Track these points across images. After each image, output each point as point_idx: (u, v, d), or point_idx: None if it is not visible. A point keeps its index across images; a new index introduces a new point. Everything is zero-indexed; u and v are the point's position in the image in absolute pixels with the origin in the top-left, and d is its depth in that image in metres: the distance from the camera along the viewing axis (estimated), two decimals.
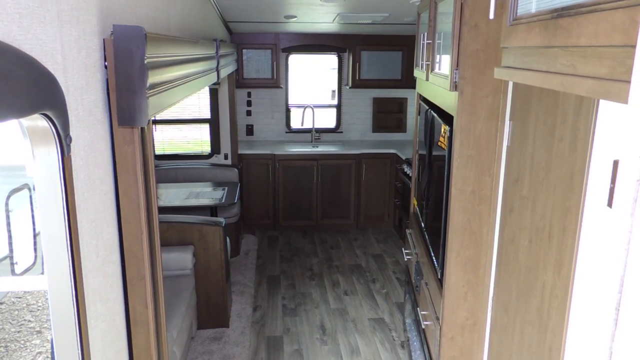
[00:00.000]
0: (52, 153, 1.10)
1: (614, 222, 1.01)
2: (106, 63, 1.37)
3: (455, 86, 2.13)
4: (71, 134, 1.15)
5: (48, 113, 1.02)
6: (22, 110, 0.91)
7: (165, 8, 2.21)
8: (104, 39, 1.37)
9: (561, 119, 1.36)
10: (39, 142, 1.09)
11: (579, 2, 0.96)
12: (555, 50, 1.08)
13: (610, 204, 1.03)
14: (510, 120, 1.91)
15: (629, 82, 0.75)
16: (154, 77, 1.48)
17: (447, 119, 2.38)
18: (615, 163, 1.00)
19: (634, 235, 0.89)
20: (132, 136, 1.45)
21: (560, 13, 1.04)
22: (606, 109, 1.08)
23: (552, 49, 1.10)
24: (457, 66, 2.10)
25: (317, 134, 6.53)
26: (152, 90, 1.46)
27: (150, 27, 1.91)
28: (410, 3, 3.76)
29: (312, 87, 7.03)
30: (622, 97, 0.78)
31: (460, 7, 2.05)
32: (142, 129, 1.50)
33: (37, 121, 1.04)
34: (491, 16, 1.33)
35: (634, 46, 0.74)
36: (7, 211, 3.02)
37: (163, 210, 4.38)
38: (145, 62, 1.38)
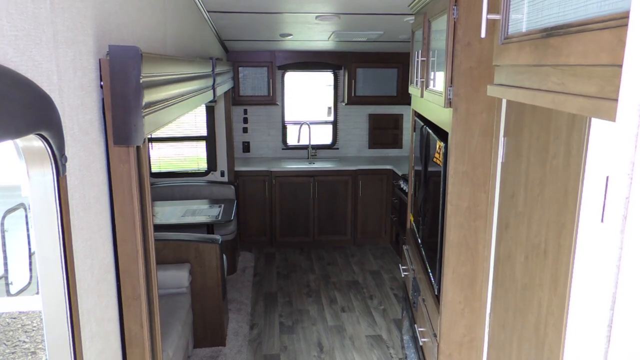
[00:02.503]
0: (47, 173, 1.10)
1: (606, 238, 1.01)
2: (102, 83, 1.38)
3: (449, 103, 2.14)
4: (67, 153, 1.15)
5: (44, 133, 1.02)
6: (17, 131, 0.91)
7: (162, 27, 2.23)
8: (99, 59, 1.38)
9: (554, 135, 1.37)
10: (34, 163, 1.09)
11: (568, 22, 0.98)
12: (546, 69, 1.09)
13: (603, 220, 1.03)
14: (504, 137, 1.92)
15: (617, 100, 0.76)
16: (149, 96, 1.49)
17: (442, 135, 2.39)
18: (608, 179, 1.01)
19: (624, 253, 0.89)
20: (128, 155, 1.46)
21: (550, 32, 1.06)
22: (598, 125, 1.09)
23: (543, 67, 1.11)
24: (451, 83, 2.12)
25: (313, 151, 6.54)
26: (147, 109, 1.47)
27: (146, 46, 1.92)
28: (404, 21, 3.80)
29: (308, 104, 7.05)
30: (610, 115, 0.79)
31: (454, 26, 2.07)
32: (138, 148, 1.51)
33: (33, 141, 1.05)
34: (483, 35, 1.35)
35: (621, 66, 0.76)
36: (3, 231, 3.01)
37: (159, 227, 4.37)
38: (141, 81, 1.39)
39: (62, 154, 1.11)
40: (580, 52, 0.90)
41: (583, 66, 0.91)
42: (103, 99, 1.39)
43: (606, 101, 0.82)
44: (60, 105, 1.13)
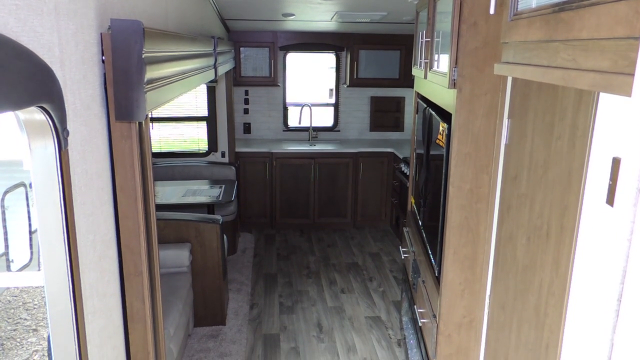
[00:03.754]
0: (49, 146, 1.09)
1: (613, 216, 1.01)
2: (104, 57, 1.36)
3: (454, 84, 2.12)
4: (68, 127, 1.14)
5: (45, 106, 1.01)
6: (18, 102, 0.90)
7: (163, 4, 2.20)
8: (101, 33, 1.36)
9: (560, 116, 1.36)
10: (36, 136, 1.08)
11: None
12: (556, 45, 1.08)
13: (609, 202, 1.03)
14: (508, 118, 1.90)
15: (632, 74, 0.75)
16: (151, 72, 1.47)
17: (446, 116, 2.38)
18: (615, 160, 1.00)
19: (637, 226, 0.89)
20: (130, 131, 1.44)
21: (562, 7, 1.04)
22: (606, 105, 1.08)
23: (553, 43, 1.09)
24: (455, 64, 2.10)
25: (314, 133, 6.52)
26: (149, 85, 1.45)
27: (148, 22, 1.90)
28: (408, 2, 3.76)
29: (310, 86, 7.01)
30: (625, 90, 0.77)
31: (460, 5, 2.04)
32: (140, 124, 1.49)
33: (34, 114, 1.03)
34: (491, 11, 1.33)
35: (638, 38, 0.74)
36: (3, 207, 3.01)
37: (160, 207, 4.37)
38: (143, 56, 1.37)
39: (64, 127, 1.10)
40: (594, 25, 0.89)
41: (595, 40, 0.90)
42: (105, 74, 1.37)
43: (619, 76, 0.80)
44: (61, 78, 1.11)
